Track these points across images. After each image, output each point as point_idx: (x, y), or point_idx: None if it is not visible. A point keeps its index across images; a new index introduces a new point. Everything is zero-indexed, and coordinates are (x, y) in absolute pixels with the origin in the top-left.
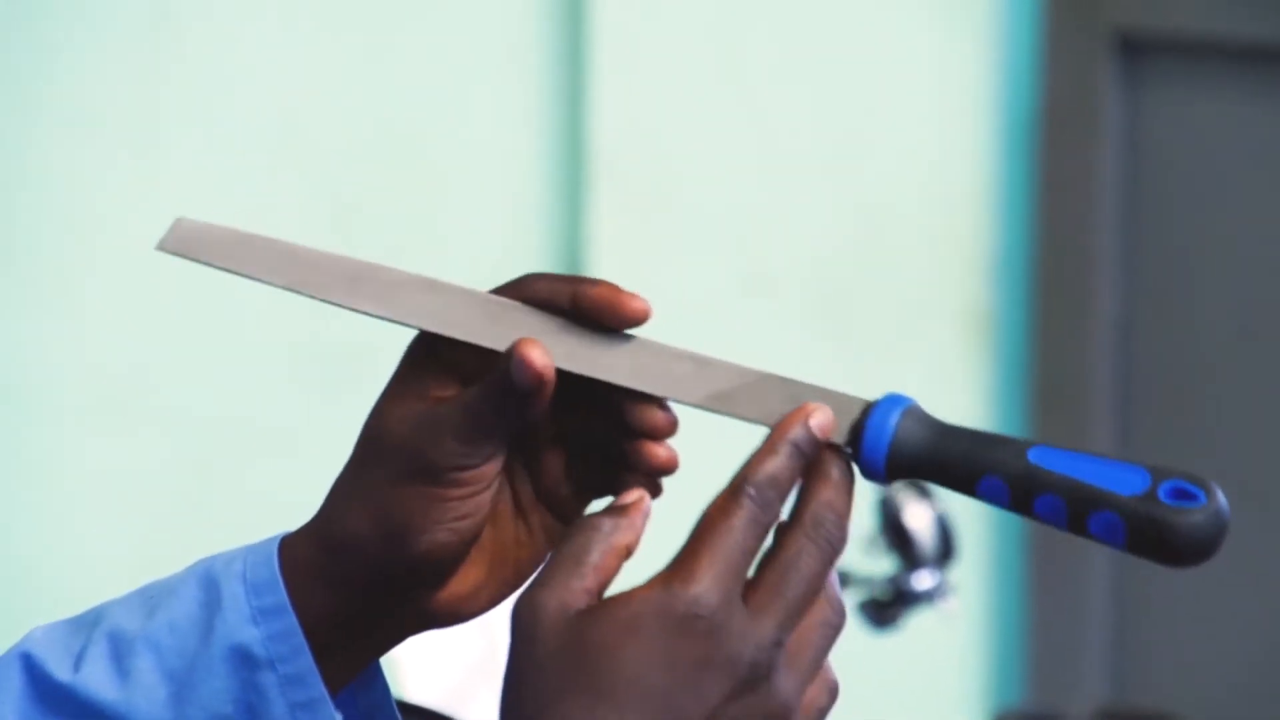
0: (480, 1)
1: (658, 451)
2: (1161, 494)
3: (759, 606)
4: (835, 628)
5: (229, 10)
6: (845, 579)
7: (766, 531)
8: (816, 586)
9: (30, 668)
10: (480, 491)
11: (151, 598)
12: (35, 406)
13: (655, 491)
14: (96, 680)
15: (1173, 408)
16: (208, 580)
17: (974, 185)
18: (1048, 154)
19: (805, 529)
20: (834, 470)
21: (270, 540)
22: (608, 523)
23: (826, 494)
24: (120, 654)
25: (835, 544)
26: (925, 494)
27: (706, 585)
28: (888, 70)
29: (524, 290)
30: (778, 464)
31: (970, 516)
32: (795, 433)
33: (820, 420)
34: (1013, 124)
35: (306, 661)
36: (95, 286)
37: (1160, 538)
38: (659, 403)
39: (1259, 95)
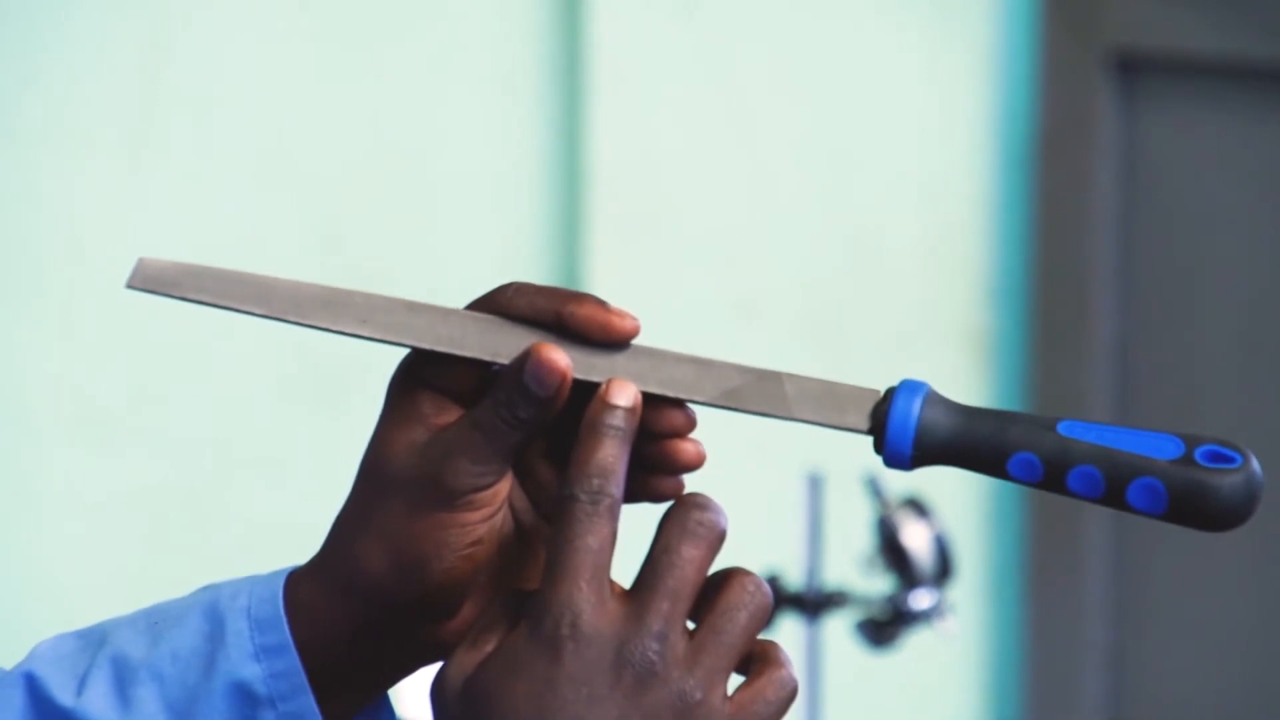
0: (476, 28)
1: (686, 448)
2: (1199, 458)
3: (638, 602)
4: (750, 610)
5: (222, 33)
6: (843, 598)
7: (611, 518)
8: (692, 573)
9: (33, 689)
10: (494, 513)
11: (156, 623)
12: (21, 429)
13: (679, 491)
14: (98, 707)
15: (1171, 427)
16: (213, 612)
17: (971, 205)
18: (1045, 173)
19: (673, 520)
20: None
21: (276, 575)
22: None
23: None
24: (123, 681)
25: (710, 529)
26: (923, 513)
27: (570, 601)
28: (883, 91)
29: (503, 305)
30: (602, 453)
31: (968, 536)
32: (605, 418)
33: (617, 391)
34: (1010, 144)
35: (307, 701)
36: (81, 309)
37: (1202, 501)
38: (673, 402)
39: (1256, 115)
